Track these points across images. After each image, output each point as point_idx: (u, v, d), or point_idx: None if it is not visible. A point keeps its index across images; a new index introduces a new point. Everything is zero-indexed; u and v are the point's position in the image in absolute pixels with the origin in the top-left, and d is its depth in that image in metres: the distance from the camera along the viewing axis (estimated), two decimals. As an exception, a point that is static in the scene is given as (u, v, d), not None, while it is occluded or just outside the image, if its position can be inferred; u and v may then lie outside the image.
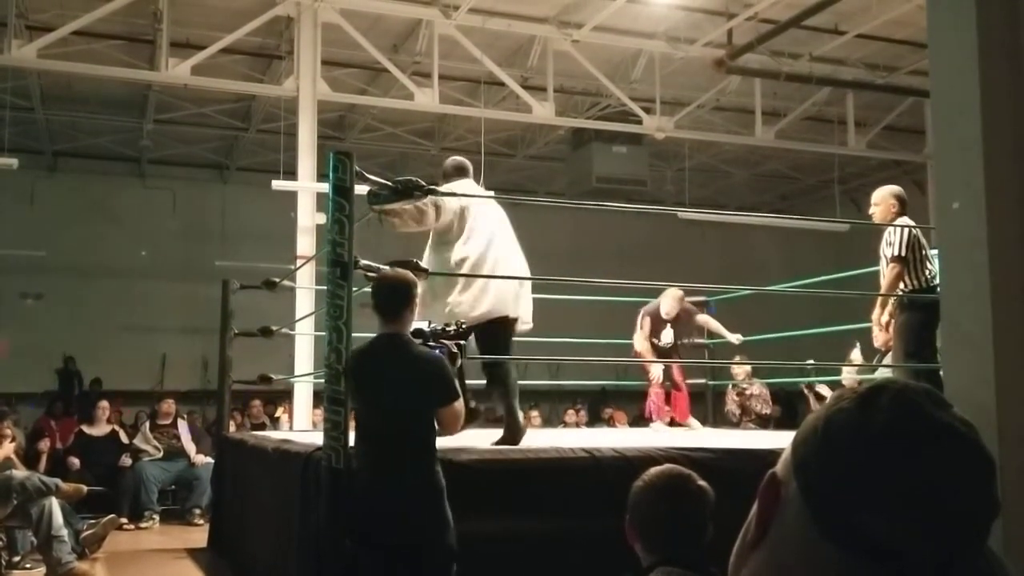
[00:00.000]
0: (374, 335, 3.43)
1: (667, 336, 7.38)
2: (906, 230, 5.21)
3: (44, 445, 8.46)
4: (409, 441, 3.24)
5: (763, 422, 8.64)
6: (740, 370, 8.68)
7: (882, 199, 5.46)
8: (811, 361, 7.97)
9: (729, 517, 1.13)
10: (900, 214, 5.36)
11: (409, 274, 3.54)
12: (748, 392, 8.73)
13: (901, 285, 5.22)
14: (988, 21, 2.28)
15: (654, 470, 2.25)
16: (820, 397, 8.30)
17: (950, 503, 0.67)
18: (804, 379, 8.65)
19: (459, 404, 3.36)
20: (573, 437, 5.93)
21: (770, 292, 9.64)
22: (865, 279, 6.14)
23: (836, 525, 0.68)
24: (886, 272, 5.26)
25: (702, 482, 2.19)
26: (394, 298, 3.37)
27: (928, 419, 0.70)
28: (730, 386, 8.85)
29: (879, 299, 5.42)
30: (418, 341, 3.46)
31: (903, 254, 5.16)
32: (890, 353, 6.14)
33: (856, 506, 0.68)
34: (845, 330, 7.05)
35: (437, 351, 3.47)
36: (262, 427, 9.65)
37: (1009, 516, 2.00)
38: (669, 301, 7.32)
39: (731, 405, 8.80)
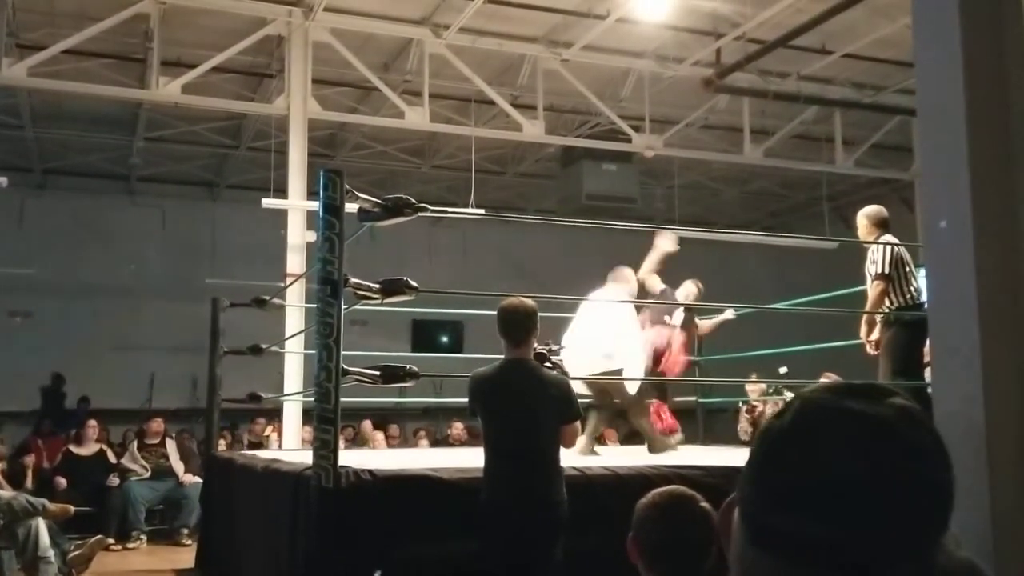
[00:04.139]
0: (501, 359, 3.67)
1: (678, 316, 6.84)
2: (889, 248, 5.25)
3: (29, 460, 8.41)
4: (540, 459, 3.52)
5: None
6: (755, 388, 8.64)
7: (859, 223, 5.54)
8: (784, 369, 7.97)
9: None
10: (881, 233, 5.40)
11: (531, 302, 3.73)
12: (759, 410, 8.71)
13: (887, 302, 5.25)
14: (973, 40, 2.30)
15: (660, 490, 2.28)
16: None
17: (861, 495, 0.64)
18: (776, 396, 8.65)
19: (579, 423, 3.69)
20: (563, 454, 5.90)
21: (758, 310, 9.64)
22: (855, 298, 6.17)
23: (756, 529, 0.68)
24: (870, 290, 5.29)
25: (706, 504, 2.21)
26: (523, 324, 3.63)
27: (832, 412, 0.68)
28: (741, 403, 8.84)
29: (864, 317, 5.44)
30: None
31: (887, 272, 5.19)
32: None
33: (767, 507, 0.67)
34: (833, 347, 7.06)
35: (556, 371, 3.80)
36: (260, 446, 9.62)
37: (998, 527, 2.01)
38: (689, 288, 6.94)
39: (743, 423, 8.78)
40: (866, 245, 5.48)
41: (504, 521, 3.46)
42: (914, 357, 5.07)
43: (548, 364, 3.83)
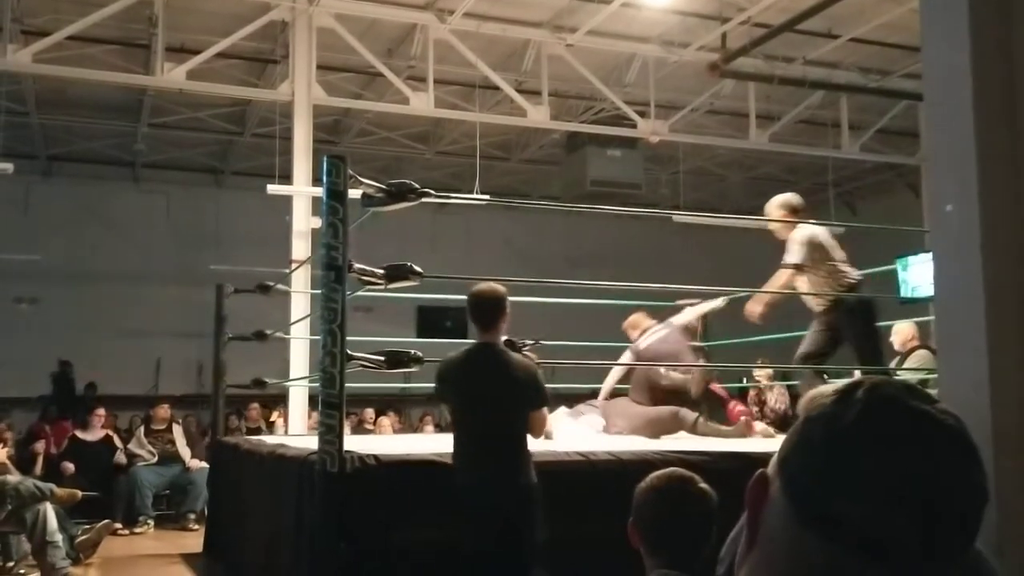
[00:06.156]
0: (471, 344, 3.66)
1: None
2: (806, 240, 5.27)
3: (40, 447, 8.45)
4: (508, 441, 3.50)
5: (781, 421, 8.51)
6: (762, 372, 8.65)
7: (773, 214, 5.55)
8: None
9: (726, 520, 1.13)
10: (798, 220, 5.43)
11: (501, 287, 3.71)
12: (766, 388, 8.73)
13: (827, 290, 5.29)
14: (981, 24, 2.28)
15: (658, 472, 2.25)
16: None
17: (925, 489, 0.68)
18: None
19: (547, 410, 3.67)
20: (568, 440, 5.91)
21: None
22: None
23: (815, 516, 0.69)
24: (778, 275, 5.30)
25: (705, 485, 2.19)
26: (491, 310, 3.61)
27: (902, 408, 0.71)
28: (750, 388, 8.86)
29: (764, 298, 5.47)
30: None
31: (800, 263, 5.23)
32: (911, 356, 6.23)
33: (832, 495, 0.68)
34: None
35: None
36: (258, 431, 9.64)
37: (1005, 518, 2.01)
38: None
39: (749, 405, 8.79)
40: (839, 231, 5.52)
41: (475, 505, 3.44)
42: (877, 341, 5.17)
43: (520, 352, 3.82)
